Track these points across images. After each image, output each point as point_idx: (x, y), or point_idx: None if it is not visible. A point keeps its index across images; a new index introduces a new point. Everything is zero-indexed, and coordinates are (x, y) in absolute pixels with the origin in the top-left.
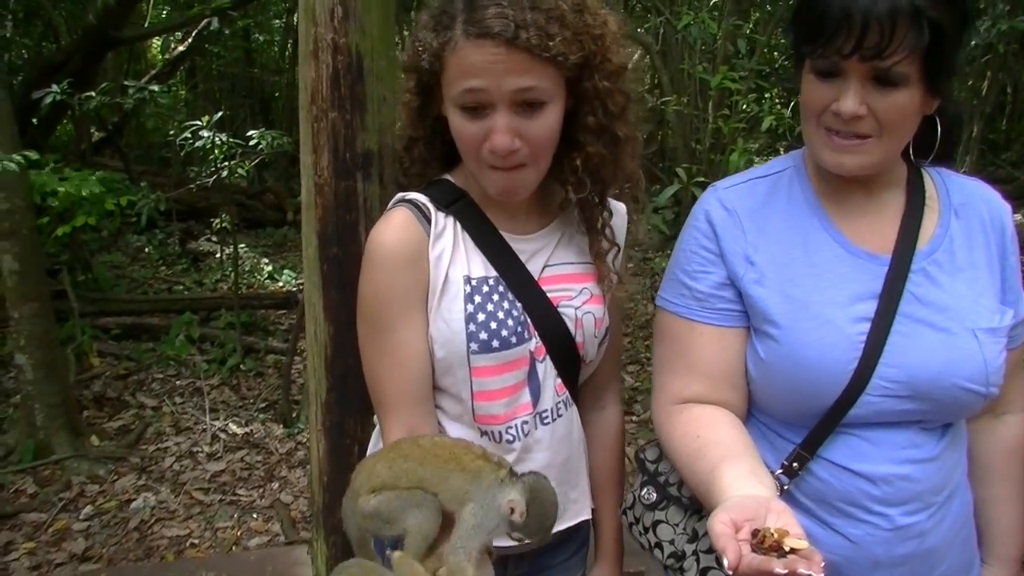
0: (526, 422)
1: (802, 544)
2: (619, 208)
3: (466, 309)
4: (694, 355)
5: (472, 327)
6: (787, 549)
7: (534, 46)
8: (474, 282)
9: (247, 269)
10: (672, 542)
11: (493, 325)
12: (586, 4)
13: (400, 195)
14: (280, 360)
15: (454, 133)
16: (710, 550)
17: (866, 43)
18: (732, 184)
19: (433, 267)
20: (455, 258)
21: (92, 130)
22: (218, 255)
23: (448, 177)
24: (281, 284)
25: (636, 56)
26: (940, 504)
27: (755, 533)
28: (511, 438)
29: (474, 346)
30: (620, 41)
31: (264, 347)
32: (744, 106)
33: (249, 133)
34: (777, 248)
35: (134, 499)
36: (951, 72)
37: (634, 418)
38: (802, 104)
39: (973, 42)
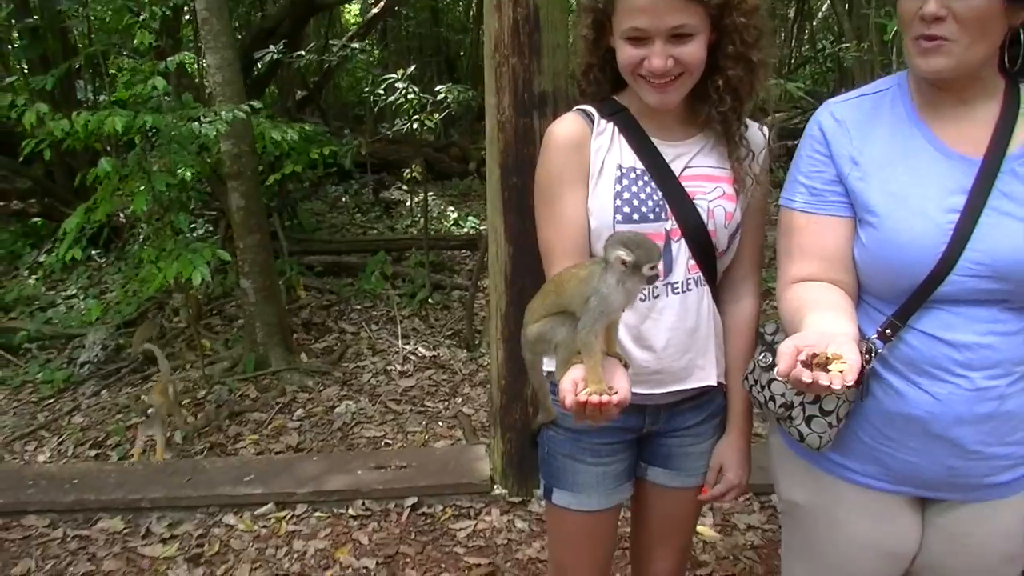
0: (656, 287)
1: (844, 365)
2: (753, 125)
3: (615, 189)
4: (811, 242)
5: (618, 202)
6: (831, 369)
7: None
8: (624, 169)
9: (434, 216)
10: (783, 395)
11: (635, 203)
12: None
13: (575, 107)
14: (464, 295)
15: (619, 58)
16: (815, 400)
17: None
18: (842, 100)
19: (593, 156)
20: (611, 151)
21: (296, 91)
22: (408, 203)
23: (615, 97)
24: (465, 229)
25: None
26: (1021, 374)
27: (812, 355)
28: (643, 297)
29: (619, 217)
30: None
31: (450, 284)
32: None
33: (436, 88)
34: (879, 152)
35: (337, 406)
36: None
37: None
38: (898, 17)
39: None
